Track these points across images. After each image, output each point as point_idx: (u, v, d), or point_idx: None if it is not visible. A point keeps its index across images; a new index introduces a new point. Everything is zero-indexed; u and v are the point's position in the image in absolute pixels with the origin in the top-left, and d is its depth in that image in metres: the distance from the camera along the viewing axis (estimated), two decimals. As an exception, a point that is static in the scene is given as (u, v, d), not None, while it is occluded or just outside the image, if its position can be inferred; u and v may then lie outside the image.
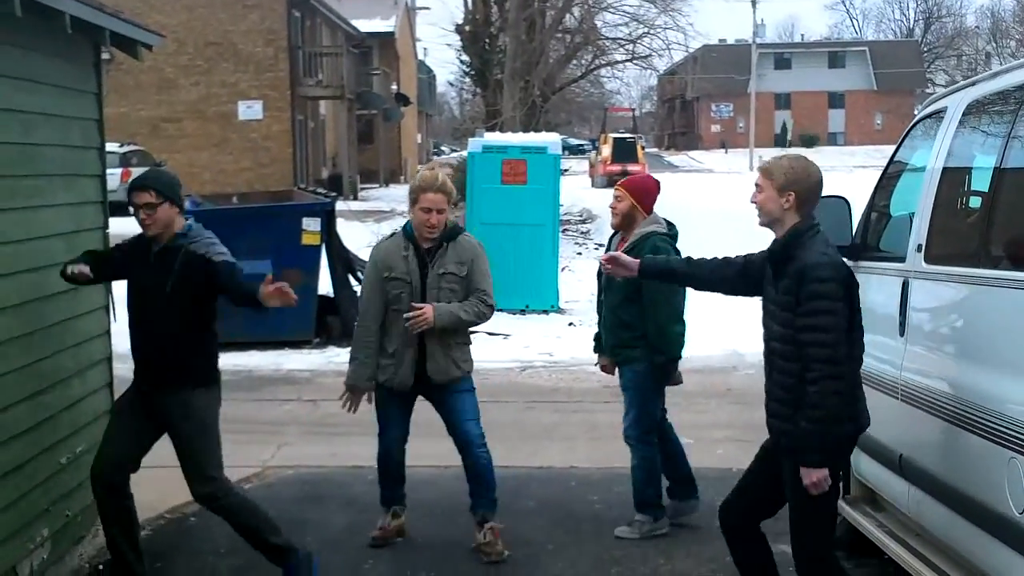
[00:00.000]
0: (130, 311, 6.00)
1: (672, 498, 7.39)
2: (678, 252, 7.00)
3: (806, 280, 4.83)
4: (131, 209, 5.86)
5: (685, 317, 7.07)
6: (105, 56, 7.23)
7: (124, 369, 7.13)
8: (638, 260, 5.81)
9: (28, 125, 5.92)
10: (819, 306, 4.79)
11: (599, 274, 7.20)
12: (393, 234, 6.84)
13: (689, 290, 7.09)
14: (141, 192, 5.84)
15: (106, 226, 6.98)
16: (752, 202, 5.16)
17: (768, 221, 5.11)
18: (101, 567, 6.46)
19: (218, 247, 5.99)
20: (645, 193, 7.14)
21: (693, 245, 7.16)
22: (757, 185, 5.14)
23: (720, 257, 5.53)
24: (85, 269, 5.90)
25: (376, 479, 7.05)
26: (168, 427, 6.00)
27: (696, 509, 7.34)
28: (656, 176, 7.75)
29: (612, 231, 7.38)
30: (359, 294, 6.65)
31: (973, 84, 5.65)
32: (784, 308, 4.94)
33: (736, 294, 5.58)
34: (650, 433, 7.15)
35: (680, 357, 7.07)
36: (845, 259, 6.60)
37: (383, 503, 7.06)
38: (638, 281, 6.81)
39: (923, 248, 5.56)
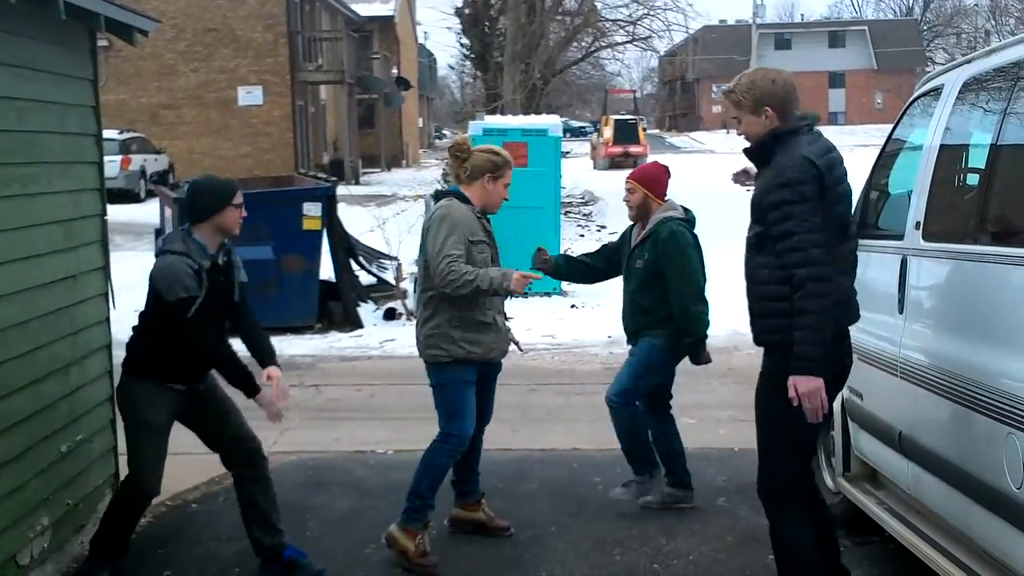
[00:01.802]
0: (205, 319, 5.94)
1: (671, 486, 7.40)
2: (695, 237, 7.06)
3: (771, 186, 4.84)
4: (234, 210, 6.06)
5: (707, 296, 7.13)
6: (103, 43, 7.21)
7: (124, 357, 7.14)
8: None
9: (24, 112, 5.90)
10: (782, 212, 4.76)
11: (622, 260, 7.30)
12: (451, 200, 6.37)
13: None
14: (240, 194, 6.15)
15: (104, 213, 6.97)
16: (739, 135, 5.11)
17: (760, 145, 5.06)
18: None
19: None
20: (655, 181, 7.20)
21: (698, 226, 7.18)
22: (735, 118, 5.10)
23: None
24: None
25: (375, 463, 7.02)
26: (212, 407, 6.23)
27: (691, 500, 7.34)
28: (658, 157, 7.81)
29: (631, 223, 7.39)
30: (438, 246, 6.15)
31: (970, 61, 5.64)
32: (753, 208, 5.00)
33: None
34: (629, 394, 7.16)
35: (707, 336, 7.10)
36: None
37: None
38: (657, 267, 6.87)
39: (921, 225, 5.55)
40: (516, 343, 6.79)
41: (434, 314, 6.33)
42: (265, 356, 6.26)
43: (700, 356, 7.14)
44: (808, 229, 4.74)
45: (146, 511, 7.06)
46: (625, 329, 7.36)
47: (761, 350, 5.19)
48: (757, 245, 4.99)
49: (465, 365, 6.33)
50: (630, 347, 7.38)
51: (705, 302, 7.06)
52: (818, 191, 4.81)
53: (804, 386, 4.75)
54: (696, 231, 7.18)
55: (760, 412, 5.12)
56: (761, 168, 5.05)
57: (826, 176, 4.86)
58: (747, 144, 5.12)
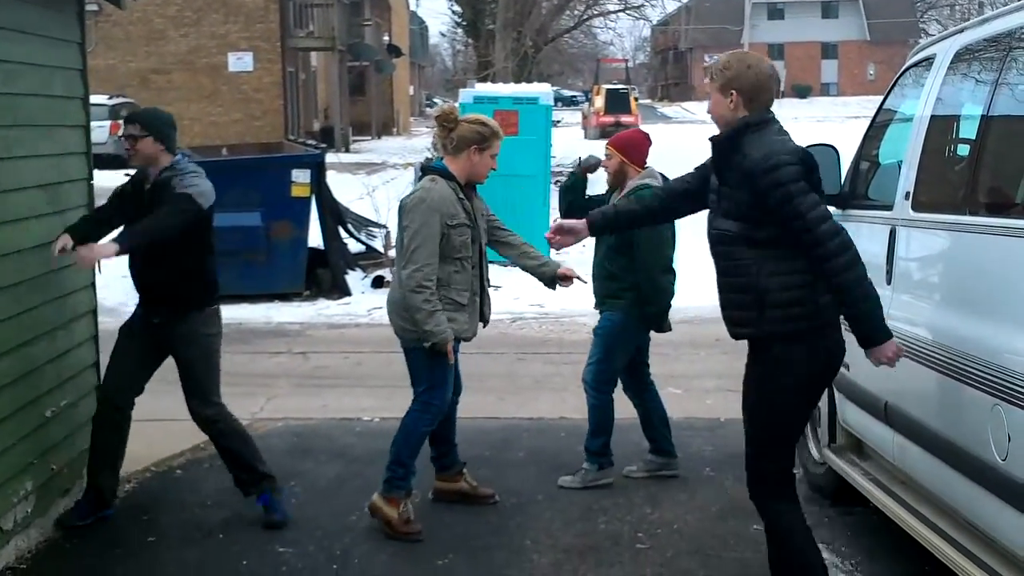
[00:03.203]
0: (132, 253, 6.31)
1: (652, 454, 7.42)
2: None
3: (755, 175, 4.65)
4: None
5: (675, 267, 7.09)
6: (93, 7, 7.17)
7: (111, 322, 7.13)
8: (584, 220, 5.57)
9: (10, 74, 5.86)
10: (778, 196, 4.61)
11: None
12: (434, 179, 6.28)
13: (682, 240, 7.13)
14: (128, 124, 6.32)
15: (90, 177, 6.92)
16: (707, 112, 5.00)
17: (724, 126, 4.90)
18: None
19: (193, 180, 6.24)
20: (632, 148, 7.13)
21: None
22: (707, 92, 4.99)
23: (666, 185, 5.30)
24: (67, 242, 6.07)
25: (362, 431, 7.00)
26: (173, 352, 6.37)
27: (675, 467, 7.37)
28: (649, 127, 7.76)
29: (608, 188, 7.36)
30: (410, 246, 6.11)
31: (962, 31, 5.61)
32: (728, 200, 4.81)
33: (696, 210, 5.32)
34: (607, 384, 7.20)
35: (670, 307, 7.08)
36: (832, 207, 6.63)
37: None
38: (626, 234, 6.81)
39: (911, 196, 5.53)
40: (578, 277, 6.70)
41: None
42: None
43: (663, 326, 7.14)
44: (812, 204, 4.63)
45: (130, 476, 7.08)
46: (593, 294, 7.30)
47: None
48: (746, 239, 4.77)
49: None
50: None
51: (672, 272, 7.03)
52: (805, 176, 4.68)
53: (887, 352, 4.73)
54: None
55: (756, 405, 4.95)
56: (728, 158, 4.86)
57: (813, 169, 4.76)
58: (715, 132, 4.94)
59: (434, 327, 6.09)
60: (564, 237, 5.63)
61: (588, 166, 7.35)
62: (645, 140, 7.23)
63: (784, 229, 4.68)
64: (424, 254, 6.09)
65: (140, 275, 6.35)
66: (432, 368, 6.28)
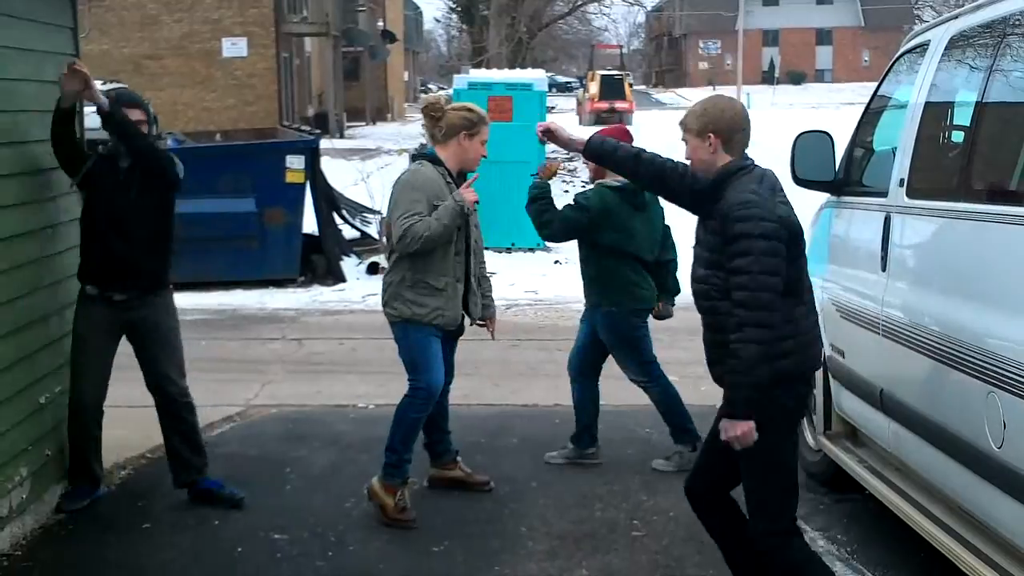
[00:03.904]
0: (98, 225, 6.25)
1: (572, 441, 7.47)
2: (637, 205, 7.08)
3: (729, 219, 4.51)
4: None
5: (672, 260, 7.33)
6: (85, -8, 7.16)
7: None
8: (584, 139, 5.41)
9: (3, 60, 5.84)
10: (741, 247, 4.45)
11: None
12: (421, 163, 6.39)
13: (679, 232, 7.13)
14: (135, 109, 6.28)
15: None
16: (686, 159, 4.93)
17: (705, 171, 4.80)
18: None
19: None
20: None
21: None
22: (684, 140, 4.92)
23: (669, 160, 5.08)
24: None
25: (356, 417, 6.99)
26: (145, 328, 6.35)
27: (596, 457, 7.42)
28: (644, 113, 7.77)
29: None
30: (394, 214, 6.15)
31: (956, 17, 5.59)
32: (709, 250, 4.66)
33: (674, 202, 5.13)
34: (654, 370, 7.32)
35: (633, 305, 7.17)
36: (828, 193, 6.62)
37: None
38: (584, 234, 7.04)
39: (905, 183, 5.52)
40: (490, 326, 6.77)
41: (394, 272, 6.30)
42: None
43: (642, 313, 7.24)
44: (763, 269, 4.42)
45: (125, 463, 7.08)
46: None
47: None
48: (720, 289, 4.57)
49: (429, 327, 6.28)
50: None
51: (634, 269, 7.12)
52: (776, 232, 4.49)
53: (734, 430, 4.46)
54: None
55: (751, 454, 4.60)
56: (709, 205, 4.71)
57: (798, 235, 4.62)
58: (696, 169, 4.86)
59: (444, 215, 6.10)
60: (552, 139, 5.50)
61: (549, 171, 7.11)
62: (625, 136, 7.21)
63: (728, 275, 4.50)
64: (408, 205, 6.14)
65: (111, 247, 6.22)
66: (411, 351, 6.30)
